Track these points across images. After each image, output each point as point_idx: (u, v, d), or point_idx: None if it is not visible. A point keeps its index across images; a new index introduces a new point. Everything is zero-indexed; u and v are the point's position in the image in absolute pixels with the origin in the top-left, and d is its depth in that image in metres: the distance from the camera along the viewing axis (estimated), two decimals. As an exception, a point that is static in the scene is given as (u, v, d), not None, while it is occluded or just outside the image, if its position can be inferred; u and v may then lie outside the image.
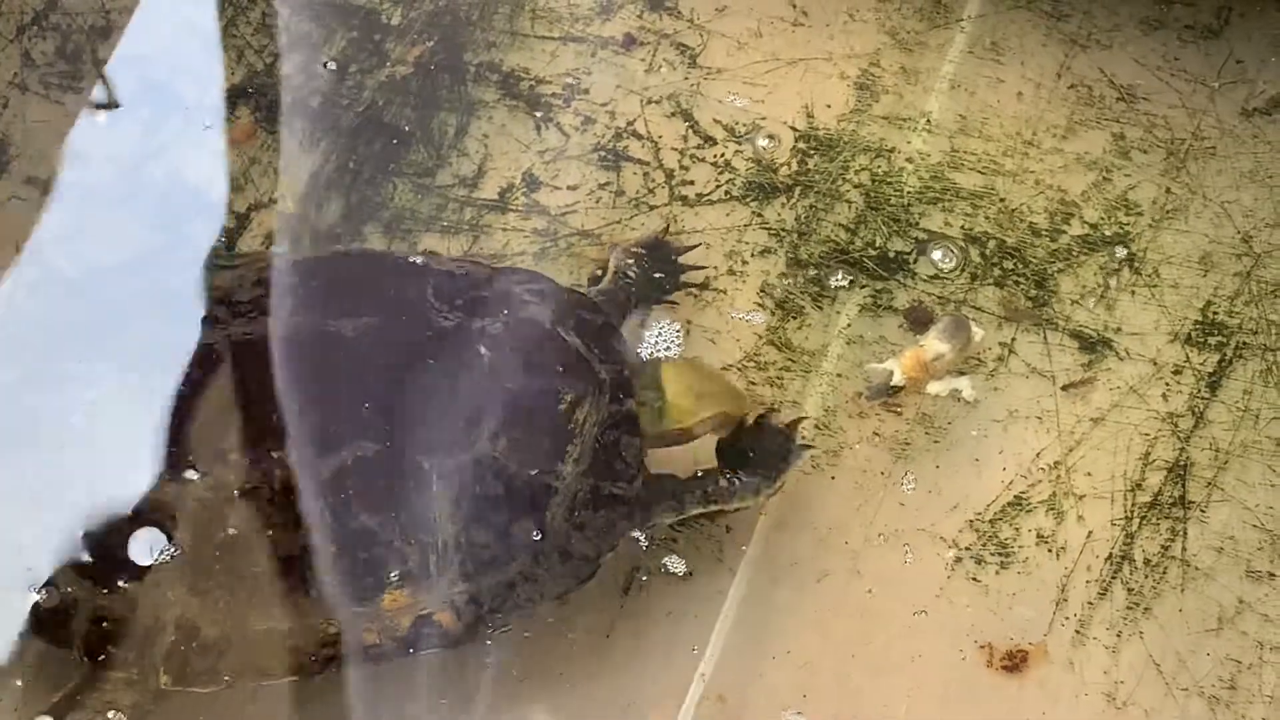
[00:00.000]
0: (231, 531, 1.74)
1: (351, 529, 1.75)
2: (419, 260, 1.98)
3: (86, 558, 1.75)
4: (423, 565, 1.77)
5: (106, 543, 1.75)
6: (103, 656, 1.76)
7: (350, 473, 1.75)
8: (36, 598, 1.75)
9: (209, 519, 1.75)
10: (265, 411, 1.78)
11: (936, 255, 2.24)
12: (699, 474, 1.99)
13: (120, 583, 1.75)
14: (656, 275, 2.15)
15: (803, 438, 2.05)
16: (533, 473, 1.82)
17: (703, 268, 2.21)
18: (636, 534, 1.96)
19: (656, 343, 1.89)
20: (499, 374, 1.84)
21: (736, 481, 1.98)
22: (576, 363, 1.89)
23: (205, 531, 1.75)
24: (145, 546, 1.74)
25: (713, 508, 1.98)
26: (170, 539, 1.74)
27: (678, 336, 1.89)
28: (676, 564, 2.02)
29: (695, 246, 2.22)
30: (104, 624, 1.75)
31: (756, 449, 2.01)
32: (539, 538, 1.82)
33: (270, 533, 1.75)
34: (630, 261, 2.14)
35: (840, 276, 2.23)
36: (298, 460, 1.76)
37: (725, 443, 2.02)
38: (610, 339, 1.96)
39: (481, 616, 1.82)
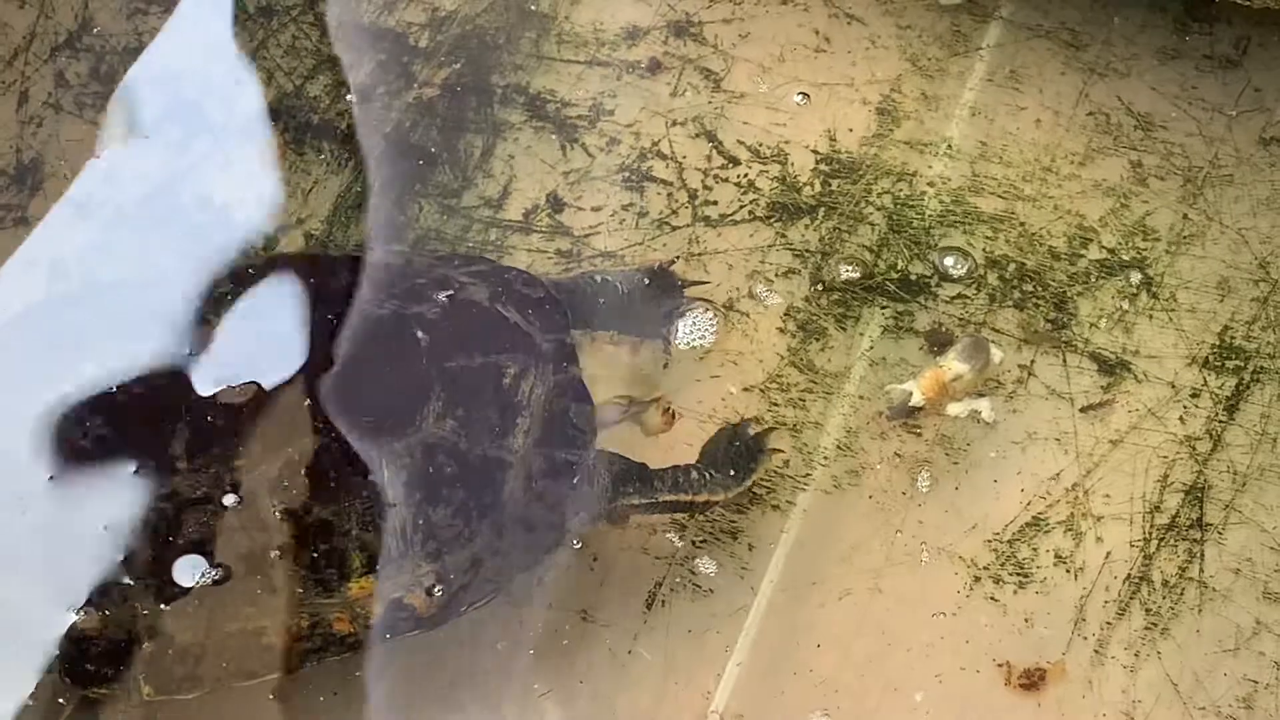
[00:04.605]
0: (190, 536, 1.76)
1: (307, 522, 1.77)
2: (354, 256, 2.02)
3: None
4: (385, 551, 1.79)
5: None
6: (83, 675, 1.78)
7: (297, 467, 1.78)
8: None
9: (167, 525, 1.77)
10: (208, 418, 1.81)
11: (949, 262, 2.26)
12: (675, 466, 2.03)
13: (90, 598, 1.76)
14: (642, 305, 2.16)
15: (775, 440, 2.10)
16: (484, 448, 1.83)
17: (710, 301, 2.24)
18: (671, 537, 1.98)
19: (691, 332, 1.91)
20: (438, 355, 1.85)
21: (707, 475, 2.02)
22: (517, 336, 1.91)
23: (165, 538, 1.76)
24: (188, 569, 1.76)
25: (682, 497, 2.01)
26: (211, 561, 1.76)
27: (711, 324, 1.91)
28: (708, 566, 2.05)
29: (704, 283, 2.24)
30: (80, 642, 1.76)
31: (730, 451, 2.06)
32: (497, 512, 1.84)
33: (229, 534, 1.77)
34: (613, 273, 2.17)
35: (851, 268, 2.25)
36: (244, 461, 1.78)
37: (707, 444, 2.06)
38: (550, 310, 1.96)
39: (454, 595, 1.84)
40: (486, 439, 1.83)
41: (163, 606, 1.75)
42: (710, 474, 2.02)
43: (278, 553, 1.76)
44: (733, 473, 2.04)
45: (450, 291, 1.92)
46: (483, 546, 1.83)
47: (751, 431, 2.08)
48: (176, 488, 1.77)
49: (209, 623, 1.76)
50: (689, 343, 1.93)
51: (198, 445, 1.79)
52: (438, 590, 1.82)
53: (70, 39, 2.41)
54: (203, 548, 1.76)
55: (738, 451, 2.06)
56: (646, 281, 2.17)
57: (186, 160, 2.32)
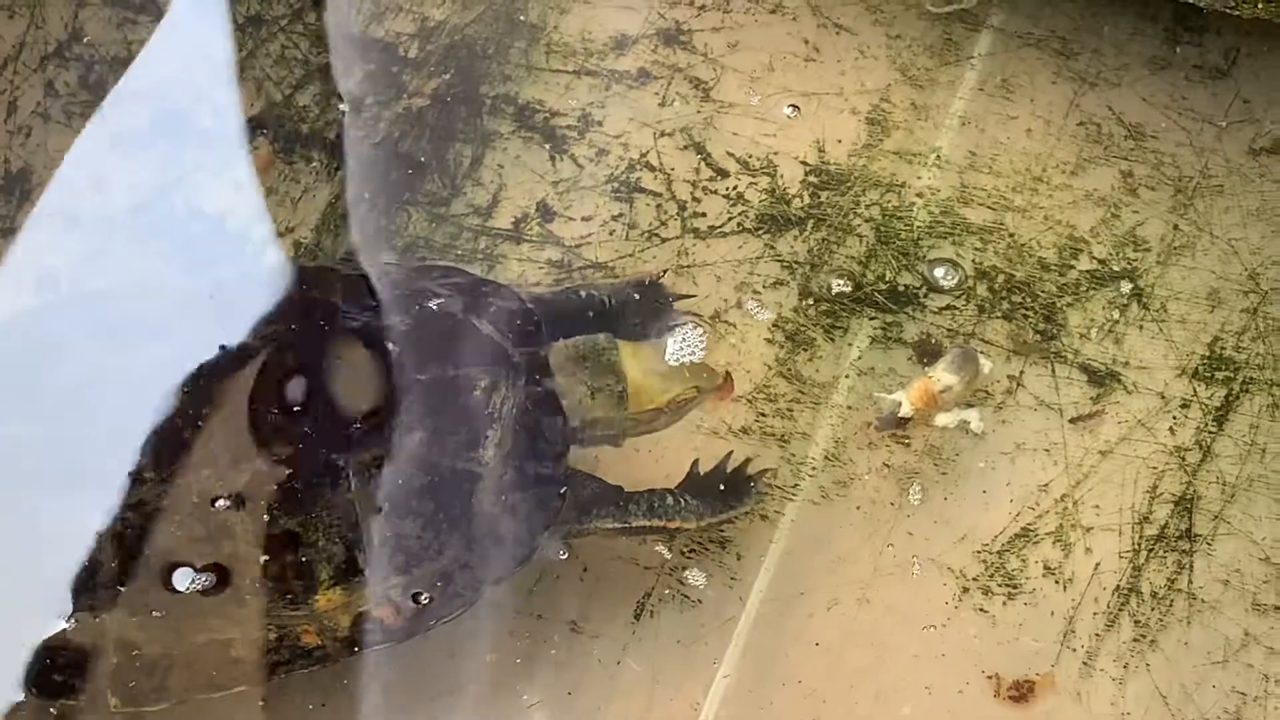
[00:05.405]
0: (158, 547, 1.76)
1: (273, 534, 1.76)
2: (329, 267, 2.03)
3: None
4: (352, 563, 1.78)
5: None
6: (50, 686, 1.77)
7: (263, 479, 1.77)
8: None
9: (134, 535, 1.76)
10: (177, 429, 1.80)
11: (938, 273, 2.26)
12: (651, 490, 2.02)
13: (61, 610, 1.76)
14: (630, 319, 2.16)
15: (767, 483, 2.10)
16: (454, 460, 1.83)
17: (698, 315, 2.23)
18: (660, 548, 1.99)
19: (681, 347, 1.91)
20: (410, 367, 1.85)
21: (682, 502, 2.02)
22: (490, 349, 1.90)
23: (133, 549, 1.76)
24: (183, 577, 1.76)
25: (655, 522, 2.01)
26: (196, 569, 1.76)
27: (702, 341, 1.91)
28: (697, 577, 2.05)
29: (691, 297, 2.23)
30: (46, 652, 1.76)
31: (723, 482, 2.06)
32: (467, 524, 1.83)
33: (196, 544, 1.76)
34: (601, 286, 2.17)
35: (843, 282, 2.25)
36: (211, 473, 1.77)
37: (696, 470, 2.06)
38: (526, 323, 1.96)
39: (423, 609, 1.83)
40: (456, 451, 1.83)
41: (130, 617, 1.75)
42: (686, 500, 2.02)
43: (245, 564, 1.76)
44: (711, 504, 2.04)
45: (425, 304, 1.92)
46: (452, 559, 1.83)
47: (746, 468, 2.08)
48: (144, 498, 1.77)
49: (176, 634, 1.76)
50: (679, 358, 1.93)
51: (165, 455, 1.79)
52: (407, 602, 1.82)
53: (60, 48, 2.41)
54: (170, 558, 1.76)
55: (728, 485, 2.06)
56: (635, 296, 2.16)
57: (176, 170, 2.32)
